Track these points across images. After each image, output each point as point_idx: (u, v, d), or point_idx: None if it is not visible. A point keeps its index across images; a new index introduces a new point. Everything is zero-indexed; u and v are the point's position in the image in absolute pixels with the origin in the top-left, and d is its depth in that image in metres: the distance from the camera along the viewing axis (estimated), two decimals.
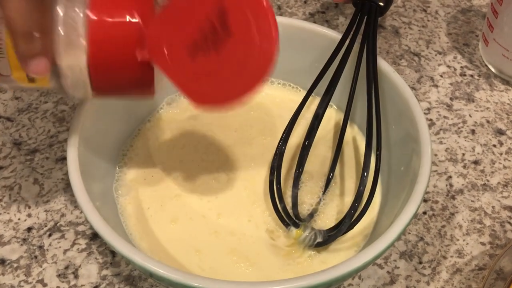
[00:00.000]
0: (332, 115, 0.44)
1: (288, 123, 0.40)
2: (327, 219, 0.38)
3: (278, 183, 0.38)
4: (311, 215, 0.38)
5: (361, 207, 0.36)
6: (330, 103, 0.41)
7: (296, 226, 0.37)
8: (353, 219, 0.36)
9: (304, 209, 0.39)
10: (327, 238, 0.36)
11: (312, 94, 0.41)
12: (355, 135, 0.43)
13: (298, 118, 0.41)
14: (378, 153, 0.37)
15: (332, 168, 0.40)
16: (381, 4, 0.42)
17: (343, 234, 0.36)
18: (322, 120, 0.40)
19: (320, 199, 0.39)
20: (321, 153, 0.42)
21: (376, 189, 0.39)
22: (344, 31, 0.41)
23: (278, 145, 0.39)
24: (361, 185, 0.36)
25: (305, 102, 0.41)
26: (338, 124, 0.43)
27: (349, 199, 0.39)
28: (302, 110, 0.41)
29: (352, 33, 0.41)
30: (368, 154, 0.37)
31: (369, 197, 0.36)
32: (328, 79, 0.41)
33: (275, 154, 0.39)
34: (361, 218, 0.36)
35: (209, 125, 0.43)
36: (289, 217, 0.37)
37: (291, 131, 0.40)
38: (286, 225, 0.37)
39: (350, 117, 0.41)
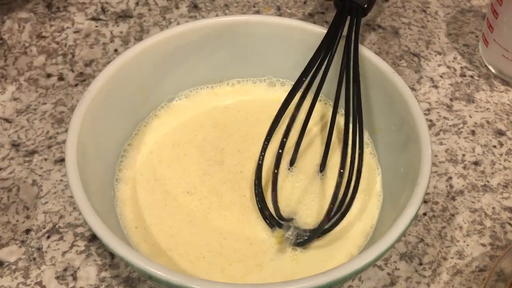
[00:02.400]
0: (318, 108, 0.43)
1: (269, 127, 0.39)
2: (312, 217, 0.38)
3: (260, 186, 0.38)
4: (293, 214, 0.38)
5: (344, 207, 0.36)
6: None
7: (280, 226, 0.37)
8: (333, 220, 0.36)
9: (295, 207, 0.38)
10: (306, 238, 0.36)
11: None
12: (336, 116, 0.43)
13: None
14: (360, 151, 0.37)
15: (322, 164, 0.40)
16: (363, 5, 0.42)
17: (324, 233, 0.36)
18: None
19: (308, 196, 0.39)
20: (311, 148, 0.41)
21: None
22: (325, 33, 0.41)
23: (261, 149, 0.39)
24: (337, 187, 0.35)
25: (285, 109, 0.40)
26: (326, 116, 0.43)
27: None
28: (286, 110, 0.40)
29: (333, 34, 0.40)
30: (344, 153, 0.37)
31: (351, 196, 0.36)
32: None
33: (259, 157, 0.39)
34: (343, 218, 0.36)
35: (209, 126, 0.43)
36: (273, 218, 0.37)
37: (271, 135, 0.39)
38: (271, 226, 0.37)
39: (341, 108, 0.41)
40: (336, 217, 0.36)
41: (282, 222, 0.37)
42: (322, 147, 0.41)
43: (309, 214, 0.38)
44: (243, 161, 0.41)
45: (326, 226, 0.36)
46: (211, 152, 0.41)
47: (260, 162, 0.38)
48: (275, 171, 0.38)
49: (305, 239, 0.36)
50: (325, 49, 0.40)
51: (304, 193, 0.39)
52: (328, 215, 0.35)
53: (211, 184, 0.39)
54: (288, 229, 0.37)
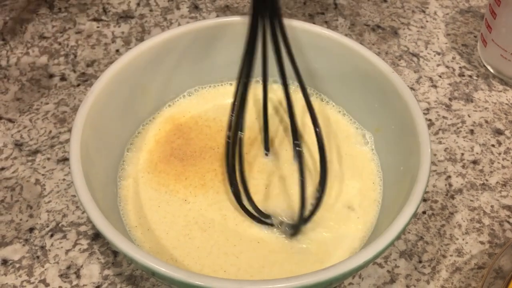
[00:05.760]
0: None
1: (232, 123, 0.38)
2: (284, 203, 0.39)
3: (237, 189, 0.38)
4: (278, 211, 0.38)
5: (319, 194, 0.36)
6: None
7: (270, 223, 0.37)
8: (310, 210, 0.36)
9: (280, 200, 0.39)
10: (295, 229, 0.36)
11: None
12: (337, 116, 0.43)
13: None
14: (318, 129, 0.37)
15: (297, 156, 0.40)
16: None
17: (306, 221, 0.36)
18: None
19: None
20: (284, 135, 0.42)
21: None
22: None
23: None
24: (302, 185, 0.35)
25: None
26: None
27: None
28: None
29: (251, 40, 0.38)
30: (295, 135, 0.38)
31: (321, 184, 0.36)
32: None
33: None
34: (318, 207, 0.36)
35: (211, 126, 0.43)
36: (263, 216, 0.37)
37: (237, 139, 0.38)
38: (259, 222, 0.38)
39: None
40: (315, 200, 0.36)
41: (269, 220, 0.37)
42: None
43: (280, 202, 0.39)
44: (245, 150, 0.41)
45: (307, 212, 0.36)
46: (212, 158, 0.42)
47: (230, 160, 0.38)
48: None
49: (294, 230, 0.36)
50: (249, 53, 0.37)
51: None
52: (303, 206, 0.35)
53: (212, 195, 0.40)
54: (279, 225, 0.37)
